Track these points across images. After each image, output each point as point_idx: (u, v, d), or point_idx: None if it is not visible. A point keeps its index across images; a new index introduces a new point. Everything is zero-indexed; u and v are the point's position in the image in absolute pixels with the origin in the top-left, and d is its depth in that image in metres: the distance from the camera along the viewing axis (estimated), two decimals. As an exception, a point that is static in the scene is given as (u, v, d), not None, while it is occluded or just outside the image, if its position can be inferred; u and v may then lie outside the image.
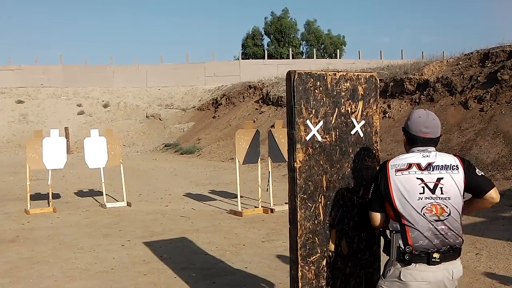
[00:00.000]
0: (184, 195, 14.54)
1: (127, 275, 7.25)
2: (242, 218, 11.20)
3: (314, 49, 53.66)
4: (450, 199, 3.53)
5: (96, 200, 13.86)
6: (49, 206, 12.72)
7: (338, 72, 4.42)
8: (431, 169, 3.55)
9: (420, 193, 3.50)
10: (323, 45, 61.41)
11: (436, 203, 3.49)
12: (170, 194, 14.85)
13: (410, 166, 3.56)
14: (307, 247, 4.24)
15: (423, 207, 3.48)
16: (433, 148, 3.65)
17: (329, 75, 4.32)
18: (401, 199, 3.51)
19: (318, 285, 4.28)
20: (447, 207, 3.51)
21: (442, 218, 3.50)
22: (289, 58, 48.95)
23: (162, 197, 14.36)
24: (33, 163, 12.72)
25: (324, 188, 4.28)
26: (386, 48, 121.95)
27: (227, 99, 34.91)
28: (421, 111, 3.81)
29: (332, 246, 4.34)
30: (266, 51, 52.86)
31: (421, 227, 3.47)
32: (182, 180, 17.97)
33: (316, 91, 4.26)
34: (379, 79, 17.04)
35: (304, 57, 59.47)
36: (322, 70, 4.39)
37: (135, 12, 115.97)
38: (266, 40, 62.27)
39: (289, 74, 4.21)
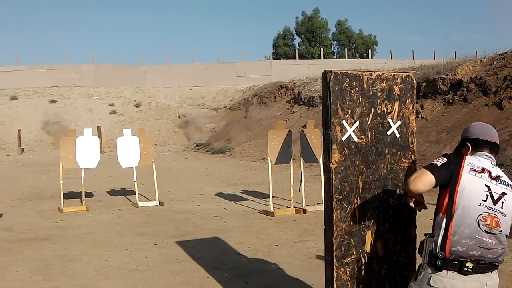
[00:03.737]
0: (215, 195, 14.54)
1: (160, 274, 7.27)
2: (274, 218, 11.17)
3: (346, 49, 53.43)
4: (506, 216, 3.48)
5: (128, 199, 13.94)
6: (82, 204, 12.81)
7: (374, 72, 4.39)
8: (499, 182, 3.52)
9: (482, 200, 3.43)
10: (354, 45, 61.17)
11: (493, 215, 3.43)
12: (202, 193, 14.86)
13: (483, 170, 3.50)
14: (343, 248, 4.21)
15: (480, 214, 3.41)
16: (494, 159, 3.66)
17: (365, 75, 4.30)
18: (463, 196, 3.43)
19: (353, 287, 4.26)
20: (501, 222, 3.45)
21: (494, 231, 3.43)
22: (320, 58, 48.81)
23: (193, 196, 14.38)
24: (66, 162, 12.84)
25: (360, 189, 4.25)
26: (418, 47, 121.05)
27: (259, 99, 34.92)
28: (477, 123, 3.93)
29: (367, 248, 4.31)
30: (297, 51, 52.74)
31: (466, 233, 3.40)
32: (213, 180, 18.00)
33: (352, 91, 4.23)
34: (412, 79, 16.55)
35: (335, 57, 59.29)
36: (357, 70, 4.36)
37: (166, 12, 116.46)
38: (297, 40, 62.33)
39: (325, 74, 4.19)
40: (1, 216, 11.79)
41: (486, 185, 3.46)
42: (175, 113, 38.51)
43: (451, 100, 19.41)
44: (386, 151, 4.44)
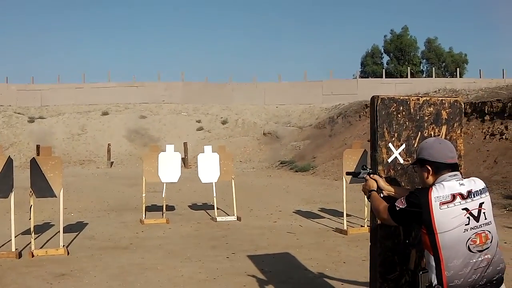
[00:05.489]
0: (293, 212, 14.73)
1: (227, 285, 7.60)
2: (347, 237, 11.29)
3: (433, 68, 52.73)
4: (490, 223, 3.48)
5: (208, 214, 14.34)
6: (163, 217, 13.29)
7: (421, 97, 4.59)
8: (473, 196, 3.44)
9: (465, 225, 3.38)
10: (444, 63, 60.24)
11: (480, 232, 3.40)
12: (281, 210, 15.08)
13: (454, 197, 3.40)
14: (387, 265, 4.41)
15: (468, 239, 3.36)
16: (460, 174, 3.56)
17: (412, 100, 4.51)
18: (445, 234, 3.36)
19: (397, 302, 4.45)
20: (490, 232, 3.44)
21: (485, 247, 3.40)
22: (408, 77, 48.41)
23: (272, 213, 14.61)
24: (149, 176, 13.42)
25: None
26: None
27: (343, 118, 34.99)
28: (433, 138, 3.82)
29: (412, 265, 4.48)
30: (384, 70, 52.42)
31: (459, 264, 3.35)
32: (294, 197, 18.20)
33: (399, 115, 4.45)
34: (497, 100, 16.54)
35: (424, 75, 58.56)
36: (405, 96, 4.57)
37: (254, 31, 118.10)
38: (385, 58, 61.96)
39: (372, 99, 4.44)
40: (87, 225, 12.48)
41: (463, 209, 3.40)
42: (261, 130, 39.01)
43: (537, 122, 18.97)
44: (433, 174, 4.60)
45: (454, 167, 3.57)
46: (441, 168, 3.55)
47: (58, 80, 44.04)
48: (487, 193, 3.55)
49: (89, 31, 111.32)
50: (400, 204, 3.59)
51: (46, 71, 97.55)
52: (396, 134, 4.45)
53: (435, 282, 3.39)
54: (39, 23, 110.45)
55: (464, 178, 3.55)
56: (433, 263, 3.42)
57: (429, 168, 3.59)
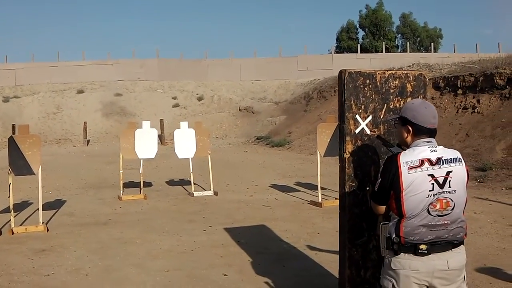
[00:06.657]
0: (269, 186, 14.97)
1: (205, 256, 7.82)
2: (322, 209, 11.53)
3: (408, 43, 53.04)
4: (455, 192, 3.55)
5: (185, 189, 14.52)
6: (140, 193, 13.46)
7: (387, 71, 4.79)
8: (441, 163, 3.55)
9: (429, 190, 3.50)
10: (419, 38, 60.58)
11: (442, 198, 3.51)
12: (257, 185, 15.32)
13: (422, 162, 3.52)
14: (355, 231, 4.63)
15: (430, 203, 3.50)
16: (435, 141, 3.66)
17: (379, 73, 4.70)
18: (410, 197, 3.50)
19: (365, 266, 4.67)
20: (452, 201, 3.54)
21: (445, 213, 3.53)
22: (383, 52, 48.66)
23: (248, 187, 14.84)
24: (126, 152, 13.55)
25: (372, 177, 4.60)
26: (486, 41, 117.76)
27: (319, 93, 35.18)
28: (420, 101, 3.89)
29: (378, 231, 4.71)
30: (359, 45, 52.63)
31: (417, 223, 3.52)
32: (270, 172, 18.44)
33: (366, 89, 4.64)
34: (469, 74, 16.76)
35: (399, 50, 58.83)
36: (371, 70, 4.76)
37: (229, 7, 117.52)
38: (361, 33, 62.12)
39: (340, 73, 4.62)
40: (65, 203, 12.60)
41: (429, 175, 3.52)
42: (237, 106, 39.15)
43: (508, 95, 19.20)
44: (398, 143, 4.81)
45: (432, 133, 3.67)
46: (421, 132, 3.64)
47: (33, 59, 43.80)
48: (460, 164, 3.62)
49: (62, 9, 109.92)
50: (376, 183, 3.75)
51: (19, 50, 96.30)
52: (363, 106, 4.64)
53: (393, 235, 3.56)
54: (10, 1, 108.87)
55: (439, 146, 3.66)
56: (396, 220, 3.59)
57: (410, 128, 3.67)
